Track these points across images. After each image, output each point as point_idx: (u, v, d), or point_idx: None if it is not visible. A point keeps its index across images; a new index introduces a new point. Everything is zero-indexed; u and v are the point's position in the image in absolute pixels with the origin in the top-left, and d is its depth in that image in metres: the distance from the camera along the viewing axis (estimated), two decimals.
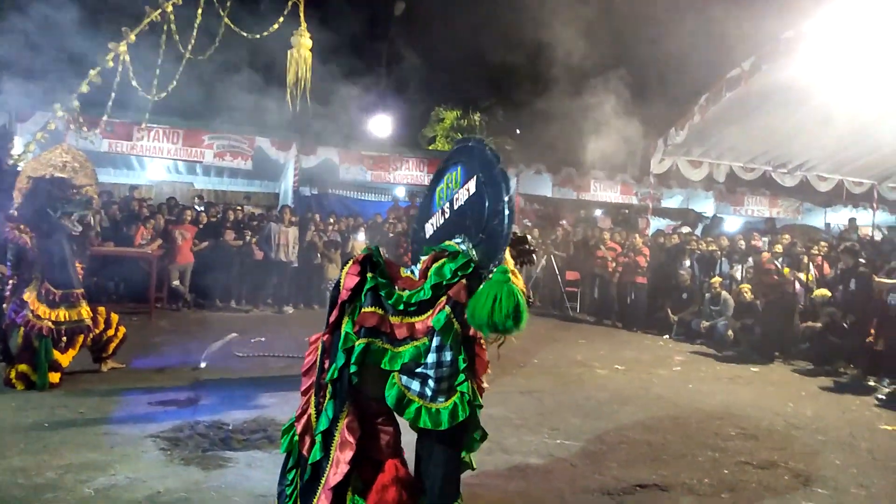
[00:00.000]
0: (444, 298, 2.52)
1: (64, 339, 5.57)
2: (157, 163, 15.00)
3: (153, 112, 9.35)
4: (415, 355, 2.49)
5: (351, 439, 2.48)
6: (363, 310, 2.55)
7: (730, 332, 9.51)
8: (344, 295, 2.63)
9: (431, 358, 2.48)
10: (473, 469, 2.92)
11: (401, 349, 2.51)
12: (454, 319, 2.48)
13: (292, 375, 6.37)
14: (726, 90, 10.00)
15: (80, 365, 6.00)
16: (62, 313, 5.55)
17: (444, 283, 2.53)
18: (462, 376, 2.50)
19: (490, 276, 2.45)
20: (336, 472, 2.47)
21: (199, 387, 5.85)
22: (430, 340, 2.49)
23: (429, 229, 3.01)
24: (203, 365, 6.71)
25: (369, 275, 2.60)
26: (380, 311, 2.55)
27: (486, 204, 2.58)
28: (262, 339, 8.37)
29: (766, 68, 9.21)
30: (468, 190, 2.74)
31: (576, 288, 13.28)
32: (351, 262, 2.69)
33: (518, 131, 23.17)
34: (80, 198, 5.74)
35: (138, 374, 6.23)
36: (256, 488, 3.68)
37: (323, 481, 2.50)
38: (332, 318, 2.67)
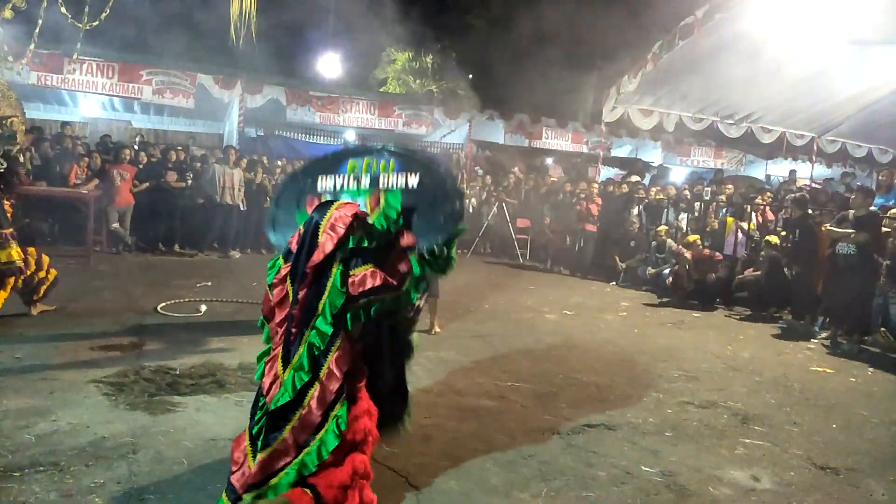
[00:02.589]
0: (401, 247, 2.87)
1: None
2: (91, 98, 14.15)
3: (85, 43, 8.76)
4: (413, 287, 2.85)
5: (338, 373, 2.65)
6: (360, 269, 2.67)
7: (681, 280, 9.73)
8: (329, 247, 2.68)
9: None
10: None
11: (404, 288, 2.79)
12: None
13: (240, 321, 6.29)
14: (679, 38, 10.01)
15: (14, 308, 5.74)
16: None
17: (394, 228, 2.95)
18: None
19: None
20: (328, 394, 2.63)
21: (142, 332, 5.67)
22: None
23: (324, 182, 3.31)
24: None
25: (354, 235, 2.74)
26: (371, 267, 2.71)
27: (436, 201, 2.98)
28: (209, 283, 8.16)
29: (719, 17, 9.24)
30: (405, 181, 3.09)
31: (526, 235, 13.39)
32: (336, 211, 2.74)
33: (471, 76, 22.82)
34: (5, 130, 5.36)
35: (78, 318, 5.99)
36: (206, 432, 3.62)
37: (295, 416, 2.59)
38: (313, 261, 2.69)
